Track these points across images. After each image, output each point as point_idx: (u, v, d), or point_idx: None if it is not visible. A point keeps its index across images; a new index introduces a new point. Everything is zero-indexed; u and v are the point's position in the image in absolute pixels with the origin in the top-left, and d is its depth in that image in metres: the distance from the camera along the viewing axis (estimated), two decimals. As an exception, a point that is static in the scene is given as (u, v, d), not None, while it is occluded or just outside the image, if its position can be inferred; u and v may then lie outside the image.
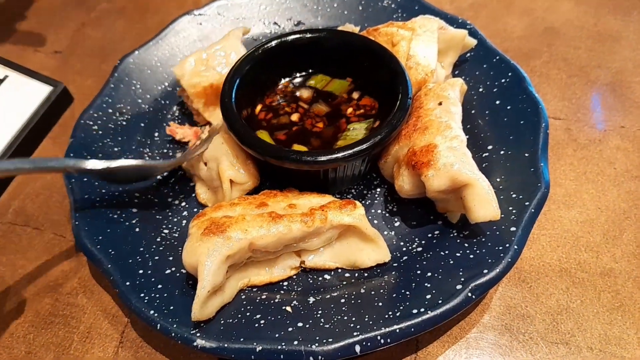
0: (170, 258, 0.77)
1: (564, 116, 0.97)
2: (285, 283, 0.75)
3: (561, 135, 0.94)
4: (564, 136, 0.94)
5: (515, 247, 0.70)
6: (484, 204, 0.69)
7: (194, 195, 0.87)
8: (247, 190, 0.81)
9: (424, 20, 0.91)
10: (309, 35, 0.89)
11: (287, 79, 0.92)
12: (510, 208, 0.74)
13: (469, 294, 0.66)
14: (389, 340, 0.64)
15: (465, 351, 0.72)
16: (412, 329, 0.64)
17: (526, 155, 0.80)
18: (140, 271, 0.73)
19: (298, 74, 0.93)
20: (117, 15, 1.28)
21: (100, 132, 0.91)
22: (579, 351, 0.71)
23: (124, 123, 0.94)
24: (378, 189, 0.86)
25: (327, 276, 0.76)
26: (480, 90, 0.92)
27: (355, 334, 0.64)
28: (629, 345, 0.71)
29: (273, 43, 0.87)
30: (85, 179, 0.83)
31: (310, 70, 0.92)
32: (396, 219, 0.82)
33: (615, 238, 0.81)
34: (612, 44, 1.09)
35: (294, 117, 0.86)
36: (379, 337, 0.64)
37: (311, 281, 0.76)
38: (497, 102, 0.89)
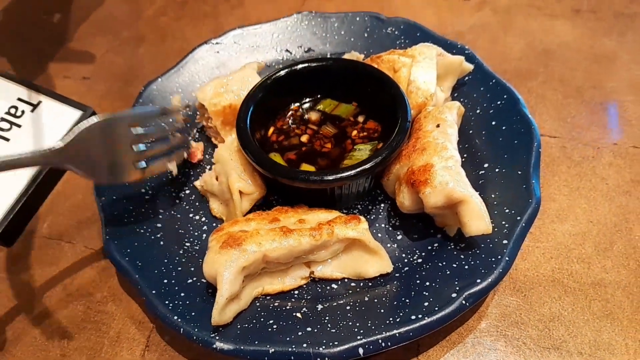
0: (192, 269, 0.84)
1: (559, 135, 1.03)
2: (296, 292, 0.82)
3: (556, 153, 1.00)
4: (559, 154, 1.00)
5: (507, 258, 0.76)
6: (477, 218, 0.76)
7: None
8: (255, 199, 0.89)
9: (423, 48, 0.98)
10: (316, 63, 0.97)
11: (297, 104, 1.00)
12: (503, 222, 0.80)
13: (463, 302, 0.72)
14: (389, 344, 0.70)
15: (463, 355, 0.78)
16: (411, 334, 0.70)
17: (519, 172, 0.86)
18: (165, 280, 0.81)
19: (307, 99, 1.00)
20: (138, 42, 1.38)
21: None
22: (569, 356, 0.76)
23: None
24: (382, 205, 0.93)
25: (334, 285, 0.83)
26: (478, 111, 0.98)
27: (359, 337, 0.71)
28: (617, 350, 0.76)
29: (283, 72, 0.95)
30: (115, 197, 0.92)
31: (318, 96, 1.00)
32: (398, 233, 0.88)
33: (605, 250, 0.86)
34: (608, 64, 1.15)
35: (304, 138, 0.94)
36: (380, 341, 0.70)
37: (320, 290, 0.82)
38: (493, 122, 0.95)
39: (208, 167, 1.00)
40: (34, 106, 1.13)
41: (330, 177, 0.80)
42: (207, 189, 0.93)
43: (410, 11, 1.27)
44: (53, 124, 1.11)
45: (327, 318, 0.76)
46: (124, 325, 0.86)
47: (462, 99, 1.00)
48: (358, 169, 0.80)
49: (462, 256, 0.80)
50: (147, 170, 0.85)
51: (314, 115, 0.97)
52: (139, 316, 0.87)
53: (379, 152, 0.83)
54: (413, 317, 0.72)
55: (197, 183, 0.96)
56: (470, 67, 1.00)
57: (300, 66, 0.96)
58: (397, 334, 0.70)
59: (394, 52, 0.99)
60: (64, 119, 1.13)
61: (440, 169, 0.79)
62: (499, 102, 0.97)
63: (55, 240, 0.98)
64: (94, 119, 0.83)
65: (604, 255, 0.86)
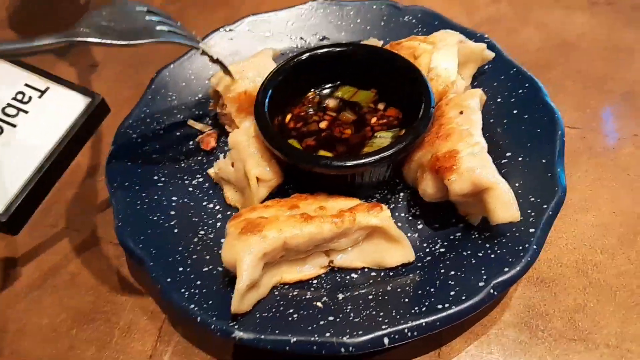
0: (207, 257, 0.82)
1: (579, 125, 1.01)
2: (315, 281, 0.80)
3: (577, 144, 0.98)
4: (579, 144, 0.98)
5: (535, 247, 0.74)
6: (504, 206, 0.73)
7: (228, 198, 0.92)
8: (272, 187, 0.87)
9: (444, 35, 0.96)
10: (336, 49, 0.94)
11: (315, 91, 0.98)
12: (529, 211, 0.78)
13: (491, 291, 0.70)
14: (415, 334, 0.68)
15: (487, 347, 0.76)
16: (438, 323, 0.68)
17: (543, 161, 0.84)
18: (180, 269, 0.78)
19: (325, 86, 0.98)
20: None
21: (140, 140, 0.96)
22: (596, 347, 0.74)
23: (161, 132, 0.99)
24: (401, 194, 0.90)
25: (354, 275, 0.80)
26: (499, 100, 0.96)
27: (383, 327, 0.68)
28: None
29: (303, 57, 0.93)
30: (127, 183, 0.89)
31: (337, 82, 0.98)
32: (419, 222, 0.86)
33: (630, 241, 0.85)
34: (626, 56, 1.13)
35: (323, 124, 0.91)
36: (406, 330, 0.68)
37: (339, 279, 0.80)
38: (515, 111, 0.93)
39: (222, 154, 0.98)
40: (42, 92, 1.11)
41: (353, 163, 0.78)
42: (222, 176, 0.90)
43: (424, 3, 1.24)
44: (61, 110, 1.08)
45: (349, 307, 0.73)
46: (135, 316, 0.83)
47: (482, 88, 0.97)
48: (381, 155, 0.78)
49: (487, 245, 0.77)
50: (176, 36, 0.84)
51: (332, 102, 0.95)
52: (150, 306, 0.84)
53: (401, 138, 0.80)
54: (439, 306, 0.70)
55: (211, 171, 0.93)
56: (491, 55, 0.98)
57: (318, 52, 0.94)
58: (424, 324, 0.68)
59: (415, 39, 0.97)
60: (71, 106, 1.10)
61: (466, 155, 0.77)
62: (520, 91, 0.95)
63: (63, 229, 0.96)
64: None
65: (628, 246, 0.84)
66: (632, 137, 0.98)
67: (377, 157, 0.78)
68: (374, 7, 1.15)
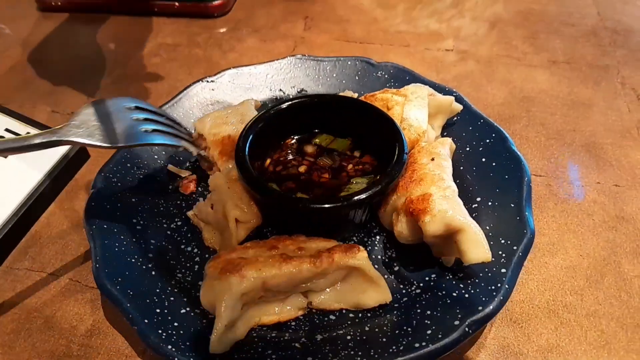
0: (185, 299, 0.81)
1: (544, 173, 1.07)
2: (293, 323, 0.80)
3: (543, 190, 1.03)
4: (545, 191, 1.03)
5: (507, 286, 0.76)
6: (476, 246, 0.76)
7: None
8: (251, 228, 0.88)
9: (415, 88, 1.03)
10: (314, 99, 0.99)
11: (294, 137, 1.01)
12: (500, 252, 0.81)
13: (467, 329, 0.72)
14: (392, 372, 0.69)
15: None
16: (415, 362, 0.69)
17: (512, 205, 0.88)
18: (157, 310, 0.78)
19: (304, 134, 1.02)
20: (130, 81, 1.38)
21: (119, 184, 0.97)
22: None
23: (141, 176, 1.01)
24: (377, 237, 0.93)
25: (332, 316, 0.81)
26: (467, 149, 1.02)
27: (362, 366, 0.69)
28: None
29: (282, 106, 0.97)
30: (105, 226, 0.89)
31: (315, 131, 1.02)
32: (395, 264, 0.88)
33: (597, 282, 0.88)
34: (585, 110, 1.21)
35: (302, 168, 0.95)
36: (383, 369, 0.68)
37: (317, 321, 0.80)
38: (483, 159, 0.98)
39: (201, 198, 0.99)
40: None
41: (332, 205, 0.80)
42: (202, 217, 0.92)
43: (393, 59, 1.32)
44: (40, 156, 1.09)
45: (327, 348, 0.74)
46: None
47: (451, 138, 1.03)
48: (358, 197, 0.81)
49: (461, 285, 0.80)
50: (159, 136, 0.88)
51: (310, 148, 0.99)
52: (125, 350, 0.82)
53: (376, 182, 0.84)
54: (416, 344, 0.71)
55: (191, 213, 0.94)
56: (459, 107, 1.04)
57: (297, 101, 0.98)
58: (402, 362, 0.69)
59: (388, 91, 1.03)
60: (52, 151, 1.11)
61: (438, 198, 0.80)
62: (487, 140, 1.01)
63: (38, 272, 0.94)
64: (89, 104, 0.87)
65: (595, 288, 0.87)
66: (595, 184, 1.04)
67: (354, 199, 0.81)
68: (349, 63, 1.21)
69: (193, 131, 1.02)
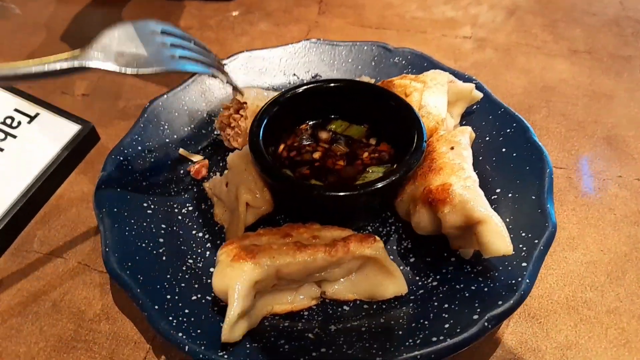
0: (196, 285, 0.80)
1: (565, 166, 1.04)
2: (306, 313, 0.78)
3: (563, 183, 1.01)
4: (566, 184, 1.01)
5: (527, 281, 0.74)
6: (497, 239, 0.73)
7: (217, 228, 0.91)
8: (260, 214, 0.86)
9: (434, 74, 1.00)
10: (330, 84, 0.96)
11: (308, 123, 0.99)
12: (521, 245, 0.79)
13: (486, 324, 0.70)
14: (410, 366, 0.67)
15: None
16: (433, 355, 0.67)
17: (533, 198, 0.85)
18: (168, 296, 0.76)
19: (318, 119, 0.99)
20: None
21: (130, 167, 0.95)
22: None
23: (152, 160, 0.99)
24: (392, 227, 0.90)
25: (346, 307, 0.79)
26: (487, 139, 0.99)
27: (377, 359, 0.67)
28: None
29: (298, 90, 0.94)
30: (115, 210, 0.87)
31: (331, 117, 0.99)
32: (411, 255, 0.86)
33: (618, 279, 0.86)
34: (606, 101, 1.18)
35: (316, 155, 0.92)
36: (400, 363, 0.66)
37: (331, 312, 0.78)
38: (503, 149, 0.95)
39: (219, 173, 0.98)
40: (31, 118, 1.10)
41: (348, 193, 0.78)
42: (215, 192, 0.90)
43: (409, 46, 1.28)
44: (50, 137, 1.08)
45: (342, 339, 0.72)
46: (118, 346, 0.80)
47: (471, 127, 1.00)
48: (375, 186, 0.78)
49: (480, 279, 0.77)
50: (187, 62, 0.82)
51: (324, 135, 0.96)
52: (134, 336, 0.81)
53: (394, 171, 0.81)
54: (434, 338, 0.69)
55: (207, 184, 0.94)
56: (479, 95, 1.01)
57: (313, 86, 0.95)
58: (419, 356, 0.67)
59: (406, 77, 1.00)
60: (61, 133, 1.10)
61: (459, 188, 0.78)
62: (508, 130, 0.98)
63: (47, 255, 0.92)
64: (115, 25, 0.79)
65: (617, 284, 0.85)
66: (617, 178, 1.01)
67: (370, 188, 0.79)
68: (365, 48, 1.18)
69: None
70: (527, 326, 0.80)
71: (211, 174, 1.00)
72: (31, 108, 1.11)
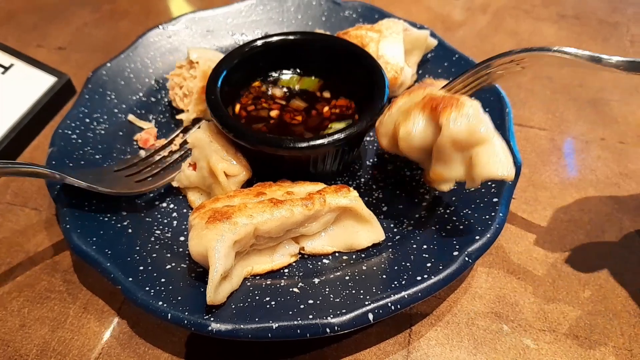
0: (168, 255, 0.76)
1: (548, 127, 1.05)
2: (287, 270, 0.77)
3: (546, 145, 1.02)
4: (549, 145, 1.02)
5: (501, 214, 0.76)
6: (499, 160, 0.68)
7: (181, 197, 0.87)
8: (241, 181, 0.83)
9: (389, 23, 0.99)
10: (289, 37, 0.93)
11: (262, 79, 0.96)
12: (490, 183, 0.81)
13: (466, 259, 0.71)
14: (399, 306, 0.67)
15: (457, 335, 0.74)
16: (420, 294, 0.68)
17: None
18: (141, 267, 0.73)
19: (273, 74, 0.96)
20: (120, 17, 1.30)
21: (80, 141, 0.89)
22: (565, 338, 0.74)
23: (102, 132, 0.93)
24: (362, 179, 0.90)
25: (325, 260, 0.78)
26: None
27: (366, 303, 0.67)
28: (612, 334, 0.75)
29: (246, 48, 0.91)
30: (70, 188, 0.81)
31: (285, 71, 0.96)
32: (383, 205, 0.86)
33: (597, 237, 0.87)
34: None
35: (273, 113, 0.90)
36: (389, 304, 0.67)
37: (311, 266, 0.77)
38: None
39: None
40: (6, 68, 1.04)
41: (318, 142, 0.76)
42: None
43: (399, 7, 1.26)
44: (25, 87, 1.02)
45: (327, 289, 0.71)
46: (92, 296, 0.78)
47: (427, 74, 1.01)
48: (349, 131, 0.77)
49: (454, 218, 0.79)
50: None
51: (278, 92, 0.93)
52: (110, 287, 0.77)
53: (362, 116, 0.80)
54: (418, 277, 0.70)
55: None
56: (434, 42, 1.02)
57: (269, 39, 0.92)
58: (406, 295, 0.67)
59: (361, 28, 0.99)
60: (37, 84, 1.04)
61: (467, 100, 0.71)
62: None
63: (20, 206, 0.88)
64: None
65: (596, 243, 0.86)
66: (600, 141, 1.03)
67: (344, 134, 0.77)
68: (314, 3, 1.16)
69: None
70: (506, 281, 0.81)
71: (161, 140, 0.95)
72: (5, 58, 1.04)
